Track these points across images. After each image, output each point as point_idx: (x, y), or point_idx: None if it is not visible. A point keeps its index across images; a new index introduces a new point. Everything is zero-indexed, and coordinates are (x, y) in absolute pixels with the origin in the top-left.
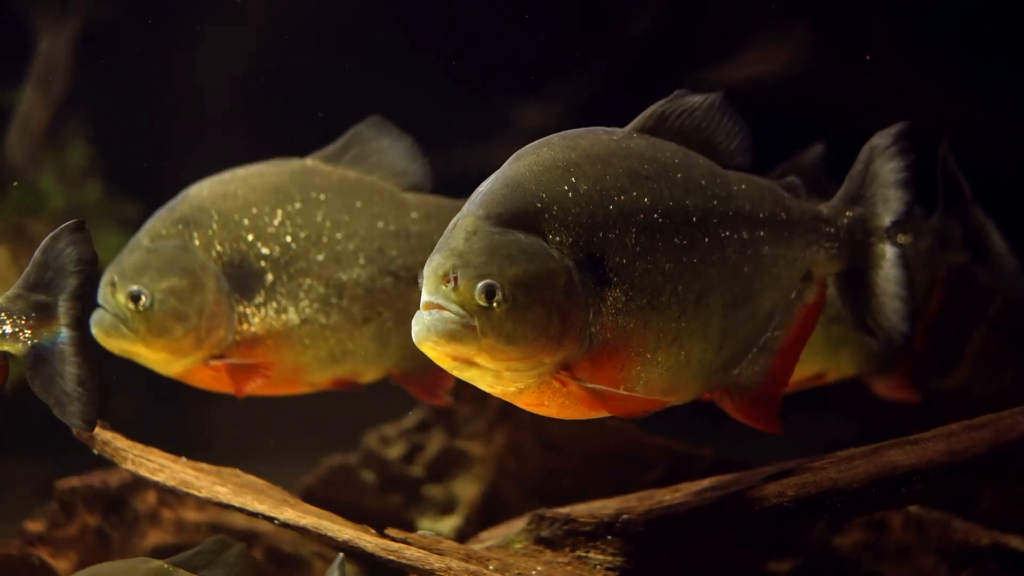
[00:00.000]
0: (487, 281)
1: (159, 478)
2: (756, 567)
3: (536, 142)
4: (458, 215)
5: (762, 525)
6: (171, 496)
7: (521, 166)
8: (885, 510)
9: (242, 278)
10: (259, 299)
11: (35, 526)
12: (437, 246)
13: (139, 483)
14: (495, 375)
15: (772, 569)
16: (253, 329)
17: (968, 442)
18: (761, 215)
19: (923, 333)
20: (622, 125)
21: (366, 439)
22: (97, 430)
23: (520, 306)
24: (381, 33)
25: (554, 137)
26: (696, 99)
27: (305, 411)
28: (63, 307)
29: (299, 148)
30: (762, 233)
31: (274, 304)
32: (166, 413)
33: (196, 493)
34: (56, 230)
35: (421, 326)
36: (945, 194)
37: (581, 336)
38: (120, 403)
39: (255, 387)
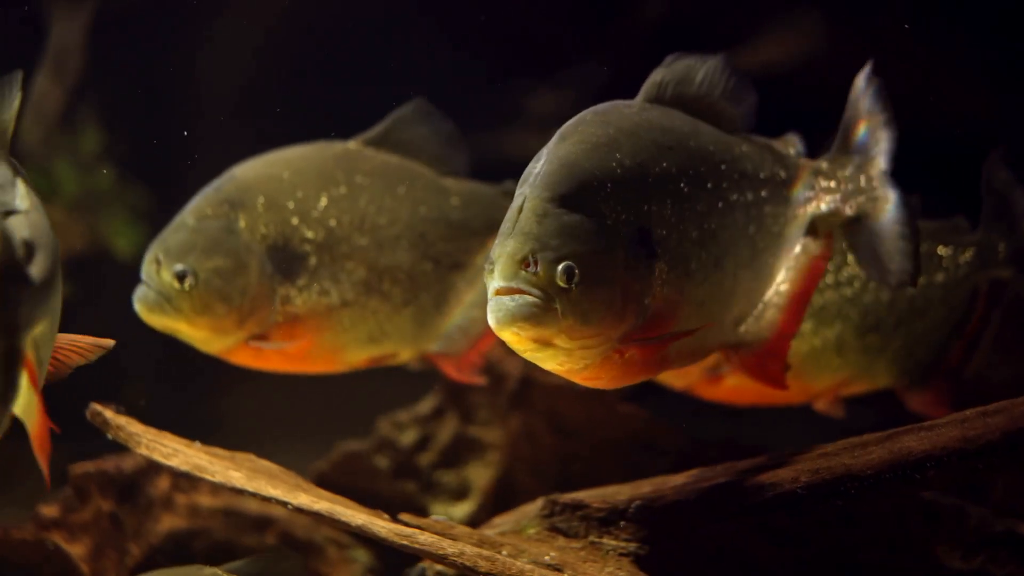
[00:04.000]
0: (567, 263)
1: (173, 463)
2: (768, 553)
3: (573, 120)
4: (518, 198)
5: (775, 511)
6: (185, 481)
7: (570, 145)
8: (899, 496)
9: (286, 260)
10: (302, 281)
11: (49, 511)
12: (503, 231)
13: (153, 468)
14: (567, 354)
15: (784, 555)
16: (295, 310)
17: (982, 428)
18: (762, 175)
19: (962, 349)
20: None
21: (379, 425)
22: (111, 415)
23: (592, 285)
24: (394, 19)
25: (587, 114)
26: (694, 62)
27: (319, 397)
28: None
29: (313, 135)
30: (764, 193)
31: (317, 287)
32: (180, 398)
33: (210, 478)
34: None
35: (504, 312)
36: (990, 207)
37: (639, 310)
38: (134, 388)
39: (295, 365)
